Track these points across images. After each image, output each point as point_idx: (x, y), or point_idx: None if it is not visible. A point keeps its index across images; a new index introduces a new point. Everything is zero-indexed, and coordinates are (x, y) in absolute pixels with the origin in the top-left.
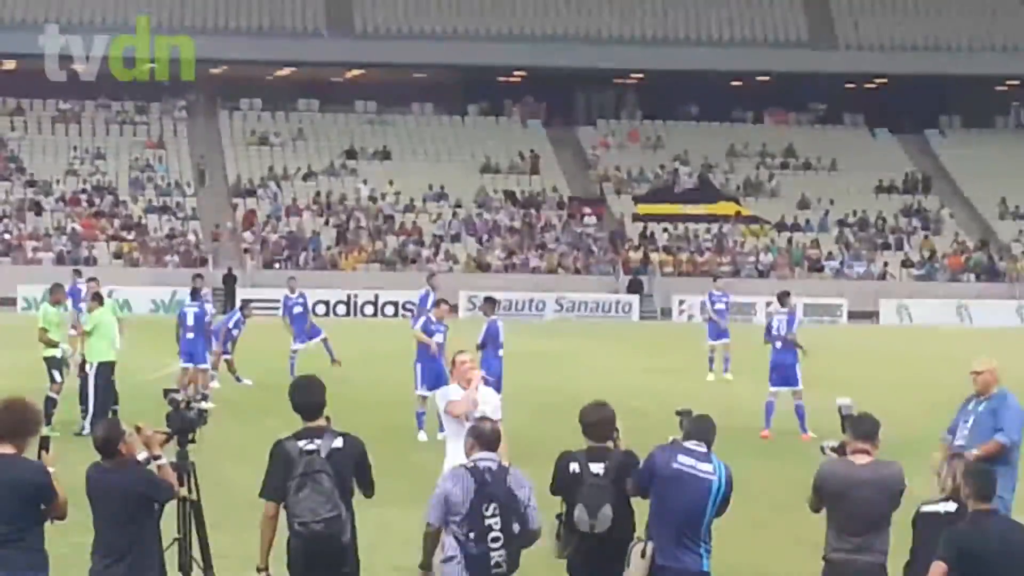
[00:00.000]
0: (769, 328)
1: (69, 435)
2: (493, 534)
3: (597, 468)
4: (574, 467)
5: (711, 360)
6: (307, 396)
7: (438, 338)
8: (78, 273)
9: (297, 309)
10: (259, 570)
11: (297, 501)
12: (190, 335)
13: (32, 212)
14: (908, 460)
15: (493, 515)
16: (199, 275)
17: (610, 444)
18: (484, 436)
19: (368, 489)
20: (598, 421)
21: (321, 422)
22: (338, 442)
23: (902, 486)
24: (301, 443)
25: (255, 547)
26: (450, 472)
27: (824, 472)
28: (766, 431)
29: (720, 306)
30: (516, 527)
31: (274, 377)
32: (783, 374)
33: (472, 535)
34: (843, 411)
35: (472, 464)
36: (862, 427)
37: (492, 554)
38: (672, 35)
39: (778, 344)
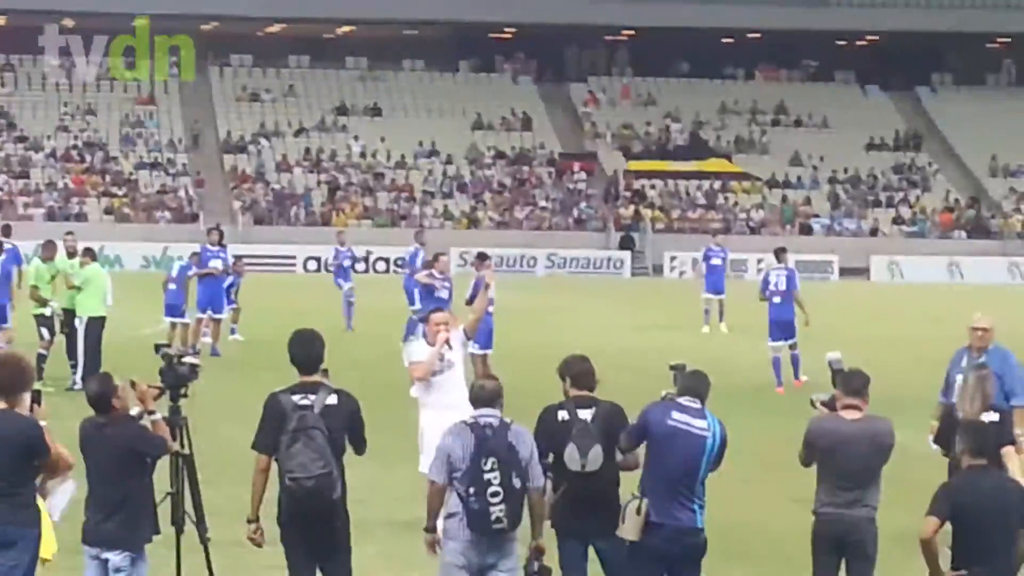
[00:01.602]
0: (766, 283)
1: (61, 390)
2: (492, 489)
3: (585, 415)
4: (563, 415)
5: (707, 313)
6: (305, 349)
7: (442, 293)
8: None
9: (346, 261)
10: (249, 521)
11: (289, 456)
12: (172, 286)
13: (23, 168)
14: (898, 415)
15: (492, 470)
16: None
17: (595, 394)
18: (484, 393)
19: (360, 447)
20: (583, 372)
21: (317, 377)
22: (332, 398)
23: (891, 441)
24: (295, 397)
25: (248, 502)
26: (451, 428)
27: (814, 427)
28: (780, 388)
29: (717, 261)
30: (517, 482)
31: (268, 332)
32: (783, 328)
33: (472, 490)
34: (833, 365)
35: (473, 420)
36: (852, 382)
37: (492, 509)
38: None
39: (776, 299)
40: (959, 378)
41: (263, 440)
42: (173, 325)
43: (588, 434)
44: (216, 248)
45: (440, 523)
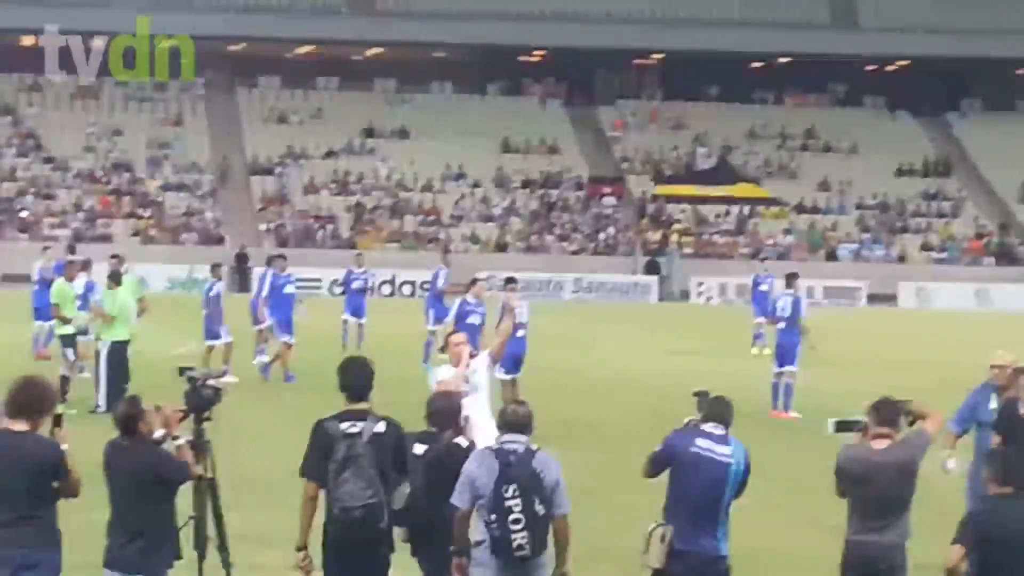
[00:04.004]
0: (774, 309)
1: (85, 412)
2: (514, 516)
3: (419, 449)
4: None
5: (756, 337)
6: (356, 378)
7: (475, 319)
8: (71, 250)
9: (357, 283)
10: (298, 549)
11: (338, 485)
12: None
13: (49, 189)
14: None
15: (513, 496)
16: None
17: (447, 433)
18: (513, 419)
19: (402, 473)
20: (437, 410)
21: (365, 405)
22: (380, 426)
23: (920, 448)
24: (343, 425)
25: (271, 526)
26: (476, 454)
27: (843, 458)
28: (775, 411)
29: (765, 287)
30: (540, 509)
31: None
32: (783, 354)
33: (494, 517)
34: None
35: (498, 446)
36: (884, 412)
37: (514, 536)
38: (693, 16)
39: (780, 325)
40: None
41: (311, 468)
42: (209, 348)
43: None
44: (286, 274)
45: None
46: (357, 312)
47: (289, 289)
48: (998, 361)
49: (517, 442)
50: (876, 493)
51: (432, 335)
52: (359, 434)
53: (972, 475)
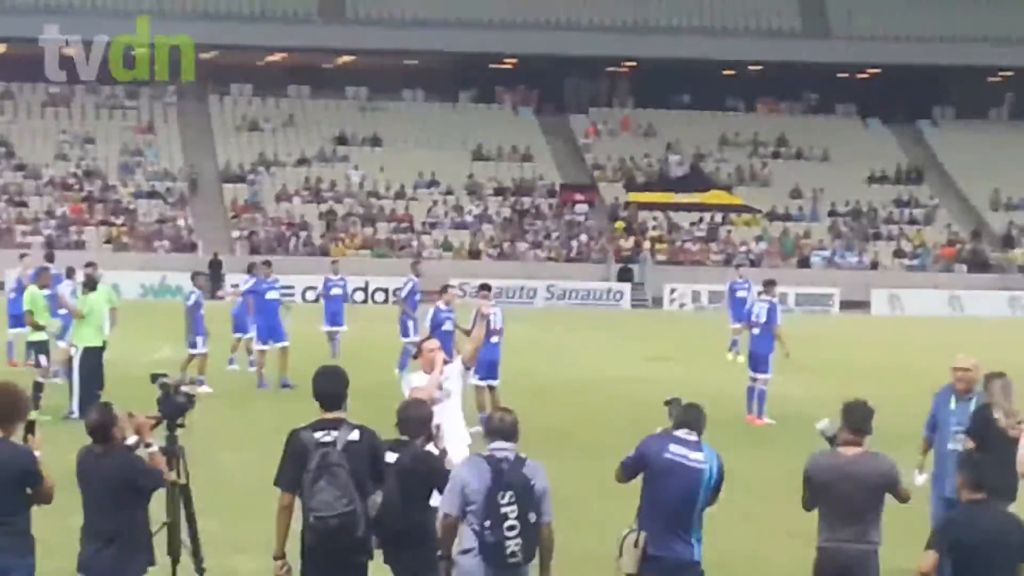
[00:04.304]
0: (748, 313)
1: (59, 419)
2: (509, 523)
3: (391, 457)
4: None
5: (732, 343)
6: (330, 387)
7: (447, 325)
8: (49, 258)
9: (335, 291)
10: (276, 558)
11: (312, 494)
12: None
13: (21, 196)
14: (897, 448)
15: (509, 503)
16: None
17: (418, 441)
18: (500, 426)
19: (378, 481)
20: (408, 418)
21: (340, 414)
22: (354, 435)
23: (889, 479)
24: (317, 435)
25: (245, 532)
26: (466, 461)
27: (811, 464)
28: (750, 416)
29: (742, 293)
30: (532, 516)
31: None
32: (756, 361)
33: (488, 523)
34: (825, 434)
35: (488, 453)
36: (854, 417)
37: (508, 543)
38: (665, 23)
39: (755, 331)
40: (950, 423)
41: (285, 477)
42: (190, 356)
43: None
44: (272, 279)
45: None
46: (335, 320)
47: (272, 295)
48: (960, 364)
49: (506, 449)
50: (843, 500)
51: (410, 345)
52: (333, 443)
53: (935, 475)
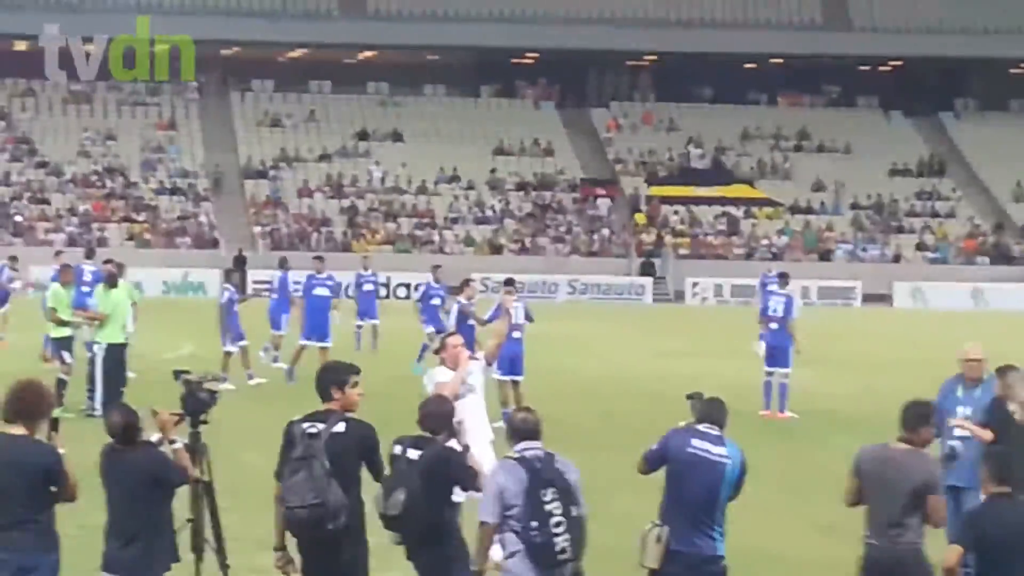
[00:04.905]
0: (765, 308)
1: (82, 416)
2: (555, 519)
3: (414, 454)
4: (397, 449)
5: (761, 336)
6: (318, 380)
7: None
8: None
9: (367, 286)
10: (275, 549)
11: (288, 485)
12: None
13: (43, 194)
14: None
15: (552, 500)
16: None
17: (440, 437)
18: (523, 426)
19: (377, 474)
20: (430, 415)
21: (331, 405)
22: (340, 427)
23: (929, 484)
24: (305, 425)
25: (268, 529)
26: (498, 466)
27: (860, 457)
28: (767, 411)
29: (773, 287)
30: (574, 510)
31: (286, 358)
32: (777, 356)
33: (534, 524)
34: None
35: (519, 454)
36: (908, 415)
37: (556, 540)
38: (686, 17)
39: (773, 325)
40: (960, 410)
41: (279, 468)
42: (227, 354)
43: (400, 476)
44: (324, 276)
45: (495, 559)
46: (369, 314)
47: (321, 291)
48: (971, 355)
49: (535, 448)
50: (889, 493)
51: (428, 338)
52: (318, 435)
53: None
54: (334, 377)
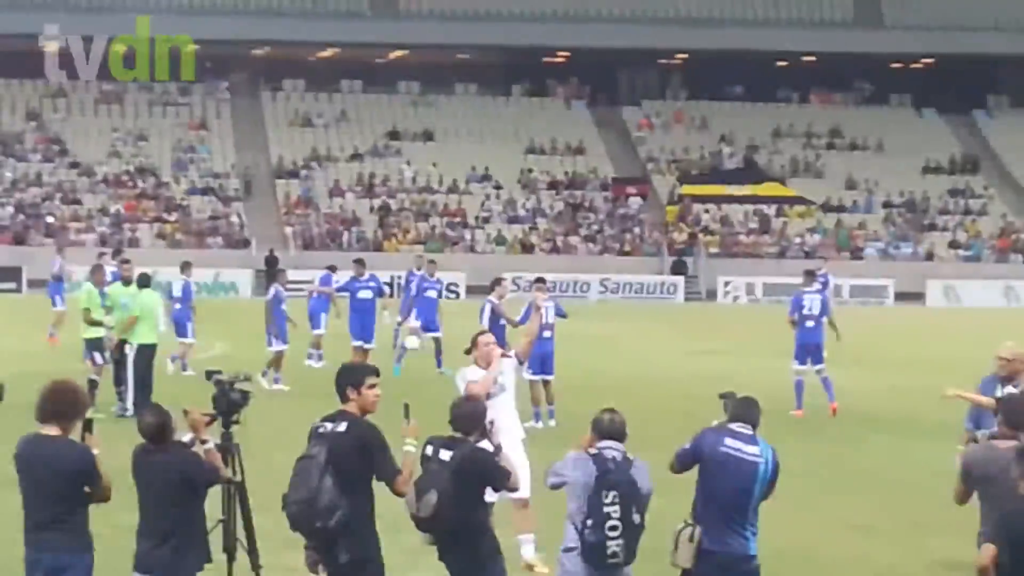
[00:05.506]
0: (800, 306)
1: (113, 417)
2: (611, 523)
3: (446, 455)
4: (428, 450)
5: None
6: (336, 380)
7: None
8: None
9: (431, 293)
10: (305, 547)
11: (290, 482)
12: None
13: (75, 194)
14: (953, 438)
15: (612, 503)
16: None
17: (472, 437)
18: (609, 427)
19: (380, 474)
20: (461, 416)
21: (349, 407)
22: (342, 426)
23: None
24: (317, 425)
25: None
26: (572, 457)
27: (970, 457)
28: (799, 410)
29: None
30: (636, 517)
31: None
32: (812, 352)
33: (590, 522)
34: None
35: (597, 451)
36: (1014, 416)
37: (609, 543)
38: (717, 15)
39: (809, 323)
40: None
41: None
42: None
43: (432, 476)
44: (365, 278)
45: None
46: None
47: (365, 294)
48: (1005, 353)
49: (615, 449)
50: (1003, 492)
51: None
52: (324, 435)
53: None
54: (350, 378)
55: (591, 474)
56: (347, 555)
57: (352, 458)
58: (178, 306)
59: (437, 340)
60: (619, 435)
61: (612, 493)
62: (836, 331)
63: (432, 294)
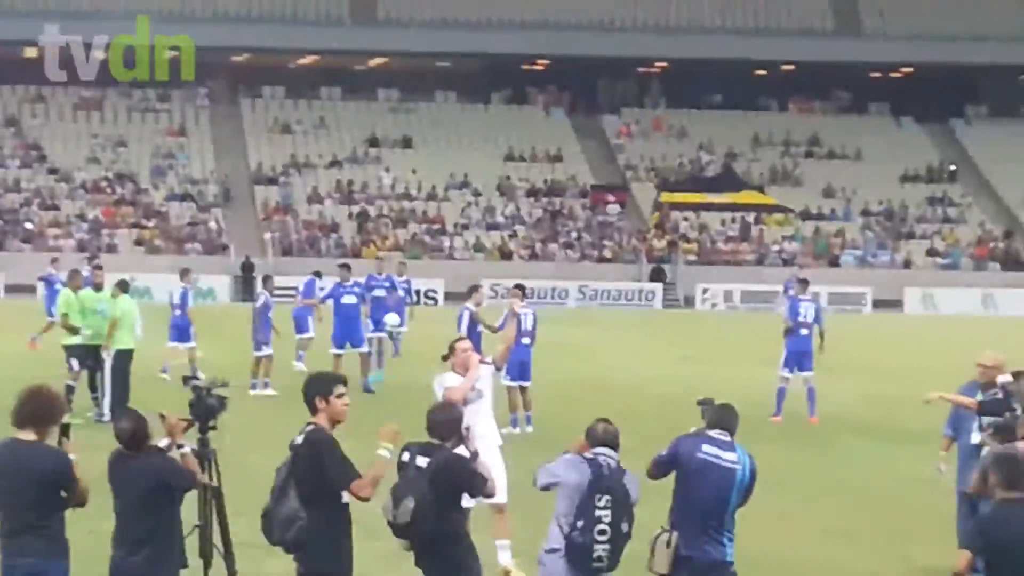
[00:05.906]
0: (796, 312)
1: (90, 422)
2: (601, 527)
3: (423, 462)
4: (405, 456)
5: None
6: (304, 390)
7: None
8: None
9: (379, 292)
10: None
11: None
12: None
13: (53, 200)
14: (930, 445)
15: (605, 507)
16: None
17: (449, 443)
18: (604, 436)
19: (332, 481)
20: (438, 422)
21: (318, 417)
22: (300, 437)
23: None
24: (295, 437)
25: None
26: (568, 459)
27: (991, 458)
28: (778, 416)
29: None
30: (624, 526)
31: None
32: (801, 360)
33: (580, 524)
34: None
35: (592, 455)
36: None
37: (596, 547)
38: (696, 23)
39: (803, 331)
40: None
41: None
42: (257, 359)
43: (409, 484)
44: (350, 284)
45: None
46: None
47: (349, 299)
48: (985, 360)
49: (610, 457)
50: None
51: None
52: (292, 447)
53: (959, 470)
54: (318, 388)
55: (585, 476)
56: (304, 568)
57: (310, 469)
58: (177, 312)
59: (380, 340)
60: (613, 444)
61: (605, 497)
62: (822, 341)
63: (381, 292)
